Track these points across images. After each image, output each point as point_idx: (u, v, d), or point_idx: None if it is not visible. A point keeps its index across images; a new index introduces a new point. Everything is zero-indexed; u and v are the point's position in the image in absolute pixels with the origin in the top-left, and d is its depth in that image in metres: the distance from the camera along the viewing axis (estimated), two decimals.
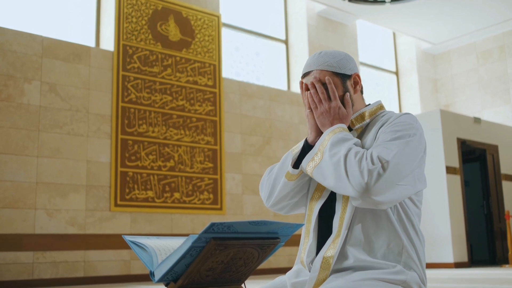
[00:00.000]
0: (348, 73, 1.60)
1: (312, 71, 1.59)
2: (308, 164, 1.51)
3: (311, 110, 1.59)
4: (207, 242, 1.17)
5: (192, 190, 6.78)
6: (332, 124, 1.54)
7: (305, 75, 1.62)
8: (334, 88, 1.55)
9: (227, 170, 7.19)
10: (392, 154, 1.39)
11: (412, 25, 9.74)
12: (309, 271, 1.53)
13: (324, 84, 1.57)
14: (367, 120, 1.60)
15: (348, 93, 1.58)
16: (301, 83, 1.62)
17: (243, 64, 8.30)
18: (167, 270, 1.21)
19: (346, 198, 1.50)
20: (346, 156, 1.42)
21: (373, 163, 1.38)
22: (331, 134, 1.50)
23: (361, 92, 1.67)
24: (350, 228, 1.48)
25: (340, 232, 1.48)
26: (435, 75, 10.88)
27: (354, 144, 1.46)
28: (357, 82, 1.62)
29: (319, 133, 1.59)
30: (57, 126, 5.90)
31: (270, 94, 7.92)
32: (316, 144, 1.52)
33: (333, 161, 1.43)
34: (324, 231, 1.55)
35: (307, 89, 1.59)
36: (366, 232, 1.47)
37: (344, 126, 1.53)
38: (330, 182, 1.44)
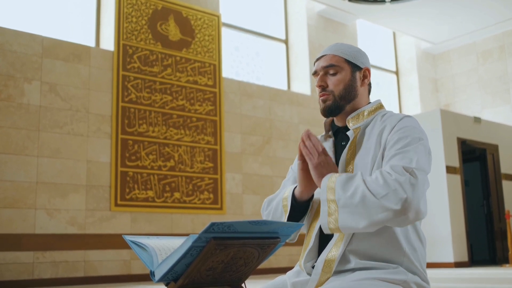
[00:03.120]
0: (360, 65, 1.64)
1: (325, 55, 1.63)
2: (329, 222, 1.38)
3: (303, 161, 1.52)
4: (207, 241, 1.17)
5: (192, 190, 6.78)
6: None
7: (318, 59, 1.65)
8: (323, 146, 1.51)
9: (227, 170, 7.19)
10: (414, 161, 1.39)
11: (412, 25, 9.73)
12: (309, 275, 1.53)
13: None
14: (365, 120, 1.60)
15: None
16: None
17: (243, 64, 8.30)
18: (168, 269, 1.21)
19: None
20: (366, 186, 1.34)
21: (400, 174, 1.34)
22: (332, 180, 1.42)
23: (369, 90, 1.70)
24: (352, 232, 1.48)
25: (343, 235, 1.47)
26: (435, 75, 10.87)
27: (361, 174, 1.40)
28: (366, 76, 1.66)
29: (305, 187, 1.53)
30: (57, 126, 5.90)
31: (270, 94, 7.92)
32: (321, 198, 1.41)
33: (357, 200, 1.34)
34: (325, 235, 1.54)
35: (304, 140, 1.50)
36: (367, 236, 1.47)
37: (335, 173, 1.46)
38: (364, 222, 1.34)
